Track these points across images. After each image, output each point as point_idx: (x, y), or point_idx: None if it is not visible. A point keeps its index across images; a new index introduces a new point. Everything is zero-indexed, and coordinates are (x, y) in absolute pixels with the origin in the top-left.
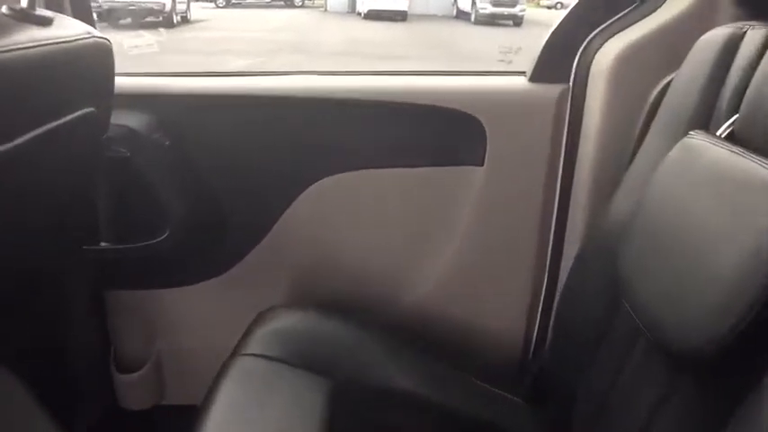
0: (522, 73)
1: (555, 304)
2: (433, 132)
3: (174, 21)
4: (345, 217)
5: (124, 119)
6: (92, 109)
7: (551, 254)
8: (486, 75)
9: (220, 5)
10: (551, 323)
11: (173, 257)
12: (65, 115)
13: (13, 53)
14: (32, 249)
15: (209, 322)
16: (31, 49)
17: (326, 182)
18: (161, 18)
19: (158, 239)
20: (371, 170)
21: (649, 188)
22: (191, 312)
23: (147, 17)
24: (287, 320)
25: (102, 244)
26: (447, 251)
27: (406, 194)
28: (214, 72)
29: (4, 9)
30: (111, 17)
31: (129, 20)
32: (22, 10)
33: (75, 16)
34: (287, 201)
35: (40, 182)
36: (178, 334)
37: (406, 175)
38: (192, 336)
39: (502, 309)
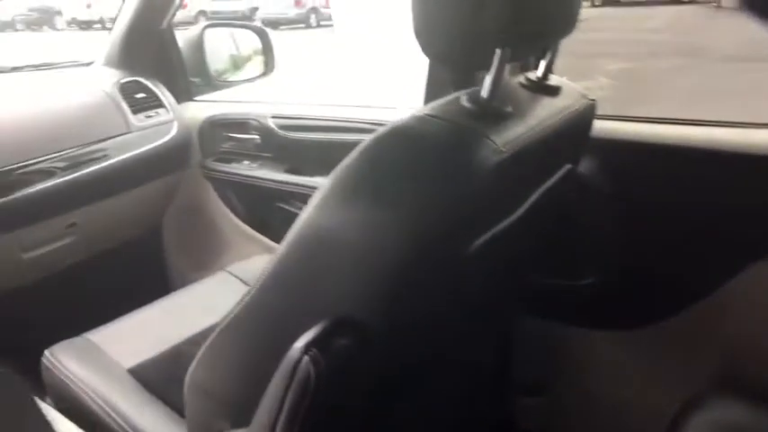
0: None
1: None
2: None
3: None
4: None
5: None
6: (570, 166)
7: None
8: None
9: (597, 4)
10: None
11: (591, 301)
12: (552, 176)
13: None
14: None
15: (618, 371)
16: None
17: None
18: None
19: (583, 283)
20: None
21: None
22: (597, 356)
23: None
24: (725, 414)
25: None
26: None
27: None
28: (666, 119)
29: (522, 78)
30: None
31: None
32: (537, 80)
33: None
34: (732, 270)
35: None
36: (583, 374)
37: None
38: (596, 380)
39: None
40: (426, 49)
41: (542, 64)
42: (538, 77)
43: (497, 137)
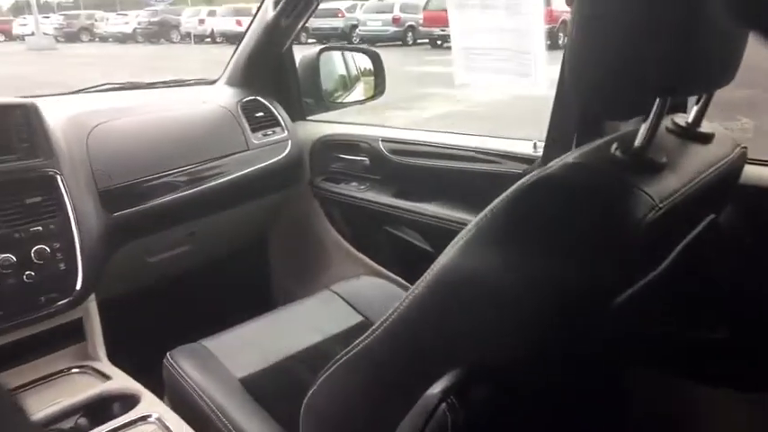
0: None
1: None
2: None
3: None
4: None
5: None
6: (714, 216)
7: None
8: None
9: None
10: None
11: (721, 357)
12: (697, 227)
13: None
14: None
15: None
16: None
17: None
18: None
19: (713, 337)
20: None
21: None
22: (721, 415)
23: None
24: None
25: None
26: None
27: None
28: None
29: (669, 123)
30: None
31: None
32: (688, 126)
33: None
34: None
35: None
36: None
37: None
38: None
39: None
40: (577, 89)
41: (694, 109)
42: (688, 123)
43: (653, 191)
